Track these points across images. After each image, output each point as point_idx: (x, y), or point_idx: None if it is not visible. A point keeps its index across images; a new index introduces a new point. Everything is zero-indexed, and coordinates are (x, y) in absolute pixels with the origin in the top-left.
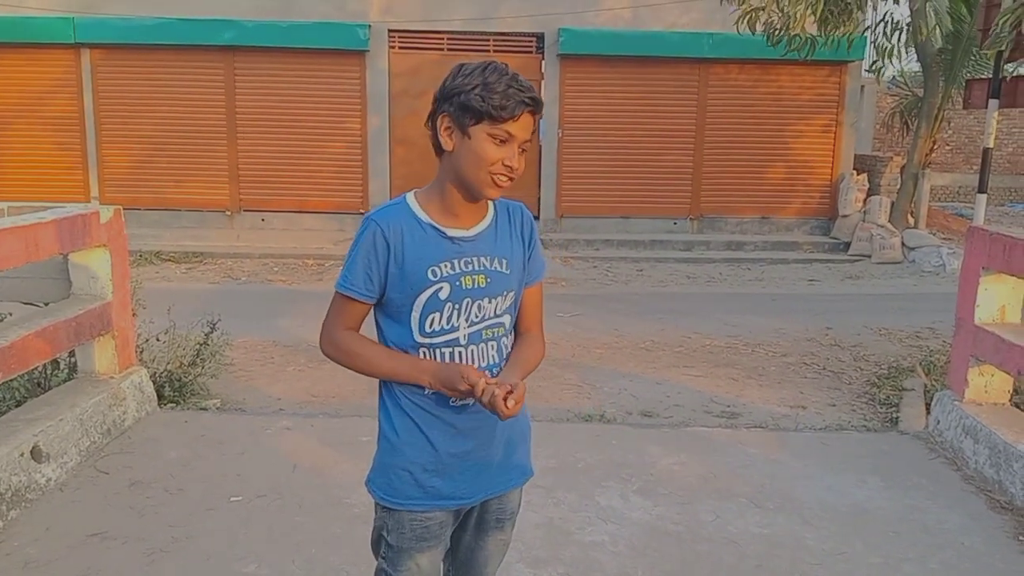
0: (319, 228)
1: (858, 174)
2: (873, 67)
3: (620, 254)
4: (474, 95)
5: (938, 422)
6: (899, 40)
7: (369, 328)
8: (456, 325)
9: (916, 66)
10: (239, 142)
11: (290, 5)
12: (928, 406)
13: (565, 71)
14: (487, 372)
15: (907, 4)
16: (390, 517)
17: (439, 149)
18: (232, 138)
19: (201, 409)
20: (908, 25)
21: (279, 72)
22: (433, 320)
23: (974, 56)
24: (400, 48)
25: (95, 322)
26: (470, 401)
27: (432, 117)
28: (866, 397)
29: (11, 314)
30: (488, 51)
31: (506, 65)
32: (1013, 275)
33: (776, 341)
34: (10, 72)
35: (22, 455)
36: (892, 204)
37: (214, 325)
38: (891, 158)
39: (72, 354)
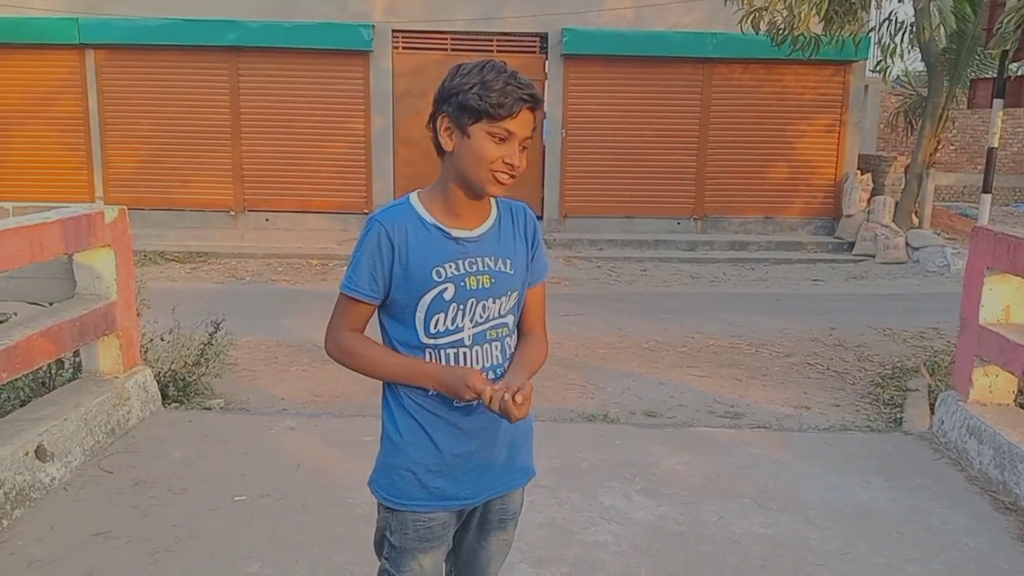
0: (323, 228)
1: (862, 174)
2: (877, 67)
3: (624, 254)
4: (472, 94)
5: (942, 423)
6: (903, 39)
7: (373, 329)
8: (461, 326)
9: (920, 66)
10: (243, 142)
11: (294, 6)
12: (932, 406)
13: (568, 71)
14: (490, 373)
15: (911, 3)
16: (393, 518)
17: (440, 150)
18: (236, 138)
19: (205, 409)
20: (912, 24)
21: (283, 72)
22: (438, 321)
23: (979, 55)
24: (404, 48)
25: (99, 322)
26: (474, 402)
27: (432, 118)
28: (870, 397)
29: (16, 314)
30: (492, 51)
31: (504, 63)
32: (1018, 275)
33: (780, 341)
34: (15, 73)
35: (26, 454)
36: (896, 204)
37: (218, 325)
38: (895, 158)
39: (76, 354)
